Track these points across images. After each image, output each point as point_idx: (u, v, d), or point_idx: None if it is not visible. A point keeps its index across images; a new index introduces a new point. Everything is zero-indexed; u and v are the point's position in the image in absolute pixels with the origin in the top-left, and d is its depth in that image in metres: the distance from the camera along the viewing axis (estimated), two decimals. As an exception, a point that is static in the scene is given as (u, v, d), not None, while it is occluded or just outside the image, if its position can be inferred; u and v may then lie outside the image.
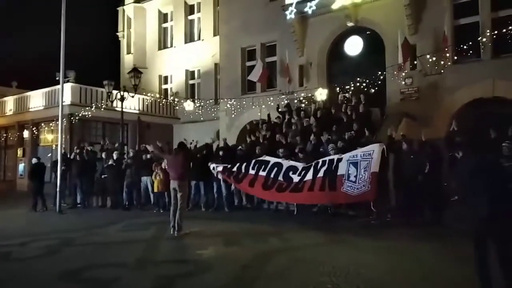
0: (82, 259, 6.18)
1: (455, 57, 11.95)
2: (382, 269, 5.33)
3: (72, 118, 16.95)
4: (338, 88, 13.75)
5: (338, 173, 8.24)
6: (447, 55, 11.87)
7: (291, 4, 14.48)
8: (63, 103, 13.04)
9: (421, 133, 9.34)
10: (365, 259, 5.85)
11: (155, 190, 11.23)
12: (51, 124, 18.07)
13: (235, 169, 10.08)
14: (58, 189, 11.61)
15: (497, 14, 11.71)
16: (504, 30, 10.21)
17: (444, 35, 11.90)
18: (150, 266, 5.71)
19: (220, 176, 10.58)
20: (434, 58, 12.01)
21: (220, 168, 10.43)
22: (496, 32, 10.95)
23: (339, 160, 8.41)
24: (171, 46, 22.35)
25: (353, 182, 7.96)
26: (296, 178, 9.03)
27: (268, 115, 14.11)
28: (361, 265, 5.49)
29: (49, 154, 17.37)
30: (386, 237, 7.30)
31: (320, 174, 8.53)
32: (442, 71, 12.05)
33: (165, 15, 23.01)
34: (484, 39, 11.23)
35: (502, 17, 11.44)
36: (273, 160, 9.74)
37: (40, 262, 6.11)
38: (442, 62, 11.94)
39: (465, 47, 11.34)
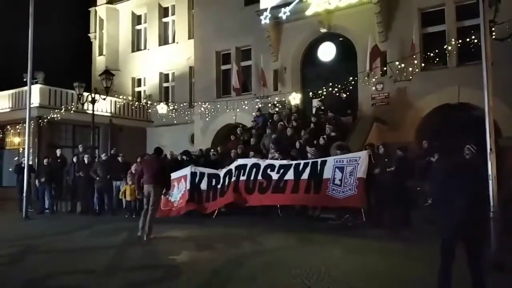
0: (48, 266, 5.93)
1: (423, 64, 12.36)
2: (354, 271, 5.39)
3: (40, 120, 16.39)
4: (311, 93, 13.96)
5: (324, 177, 8.27)
6: (416, 62, 12.25)
7: (265, 9, 14.58)
8: (31, 105, 12.60)
9: (391, 137, 9.60)
10: (337, 261, 5.91)
11: (127, 198, 10.90)
12: (17, 127, 17.43)
13: (221, 179, 9.85)
14: (24, 194, 11.16)
15: (462, 24, 12.21)
16: (468, 39, 10.60)
17: (412, 43, 12.28)
18: (119, 273, 5.55)
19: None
20: (403, 65, 12.36)
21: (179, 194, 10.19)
22: (460, 41, 11.38)
23: (324, 163, 8.42)
24: (145, 48, 22.03)
25: (338, 186, 8.02)
26: (275, 176, 9.03)
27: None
28: (333, 266, 5.53)
29: (16, 158, 16.76)
30: (359, 239, 7.40)
31: (305, 176, 8.52)
32: (411, 77, 12.42)
33: (139, 17, 22.67)
34: (450, 48, 11.66)
35: (467, 27, 11.90)
36: (250, 162, 9.71)
37: (2, 271, 5.85)
38: (410, 69, 12.30)
39: (432, 54, 11.74)
